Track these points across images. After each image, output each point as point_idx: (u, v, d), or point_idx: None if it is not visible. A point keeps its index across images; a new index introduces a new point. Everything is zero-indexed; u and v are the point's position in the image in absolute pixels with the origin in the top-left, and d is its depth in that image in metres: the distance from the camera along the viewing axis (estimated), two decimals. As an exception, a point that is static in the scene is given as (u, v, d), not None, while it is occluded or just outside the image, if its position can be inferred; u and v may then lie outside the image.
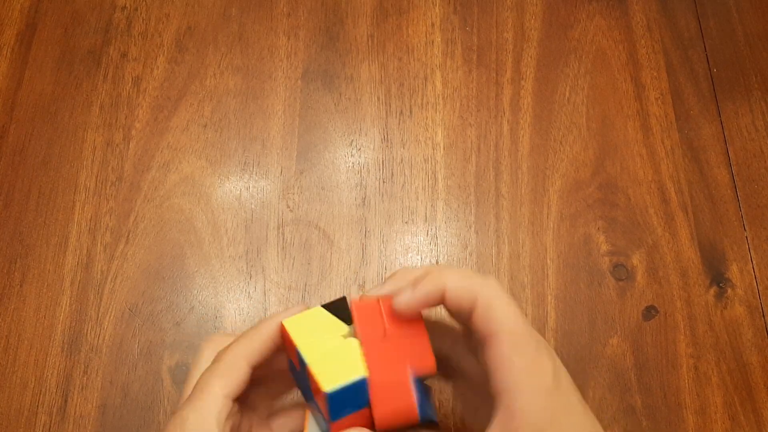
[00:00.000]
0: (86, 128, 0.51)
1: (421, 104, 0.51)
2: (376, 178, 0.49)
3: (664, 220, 0.48)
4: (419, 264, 0.47)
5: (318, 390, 0.31)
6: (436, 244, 0.47)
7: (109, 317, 0.45)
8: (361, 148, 0.50)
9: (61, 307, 0.45)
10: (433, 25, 0.54)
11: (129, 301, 0.46)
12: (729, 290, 0.46)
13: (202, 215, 0.48)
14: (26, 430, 0.42)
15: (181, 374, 0.44)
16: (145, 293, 0.46)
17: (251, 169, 0.50)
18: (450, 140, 0.50)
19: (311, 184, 0.49)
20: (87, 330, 0.45)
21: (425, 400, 0.32)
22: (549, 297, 0.46)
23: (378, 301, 0.32)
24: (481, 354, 0.30)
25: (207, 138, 0.50)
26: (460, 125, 0.51)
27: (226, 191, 0.49)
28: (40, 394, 0.43)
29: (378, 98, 0.52)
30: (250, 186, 0.49)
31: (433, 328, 0.33)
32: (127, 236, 0.47)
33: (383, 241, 0.47)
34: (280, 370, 0.35)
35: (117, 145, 0.50)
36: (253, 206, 0.48)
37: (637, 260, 0.47)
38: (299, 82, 0.52)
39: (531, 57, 0.53)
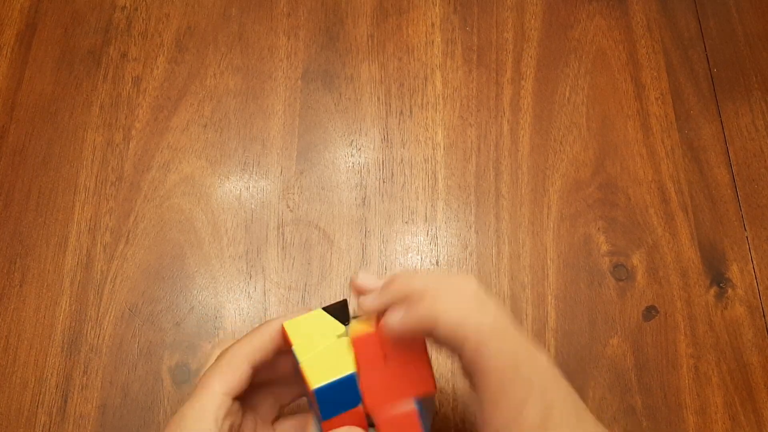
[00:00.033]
0: (86, 128, 0.51)
1: (421, 104, 0.51)
2: (376, 178, 0.49)
3: (664, 220, 0.48)
4: (419, 264, 0.47)
5: (308, 389, 0.31)
6: (436, 244, 0.47)
7: (109, 317, 0.45)
8: (361, 148, 0.50)
9: (61, 307, 0.45)
10: (433, 25, 0.54)
11: (129, 301, 0.46)
12: (729, 290, 0.46)
13: (202, 215, 0.48)
14: (26, 430, 0.42)
15: (181, 374, 0.44)
16: (145, 293, 0.46)
17: (251, 169, 0.50)
18: (450, 140, 0.50)
19: (311, 184, 0.49)
20: (87, 330, 0.45)
21: (425, 416, 0.33)
22: (549, 297, 0.46)
23: (375, 330, 0.33)
24: (470, 383, 0.31)
25: (207, 138, 0.50)
26: (460, 125, 0.51)
27: (226, 191, 0.49)
28: (40, 394, 0.43)
29: (378, 98, 0.52)
30: (250, 186, 0.49)
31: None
32: (127, 236, 0.47)
33: (383, 241, 0.47)
34: (286, 375, 0.35)
35: (117, 145, 0.50)
36: (253, 206, 0.48)
37: (637, 260, 0.47)
38: (299, 82, 0.52)
39: (531, 57, 0.53)
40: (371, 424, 0.32)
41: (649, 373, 0.44)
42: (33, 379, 0.44)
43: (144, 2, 0.55)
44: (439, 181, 0.49)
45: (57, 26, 0.54)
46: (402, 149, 0.50)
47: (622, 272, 0.47)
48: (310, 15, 0.54)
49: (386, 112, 0.51)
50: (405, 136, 0.50)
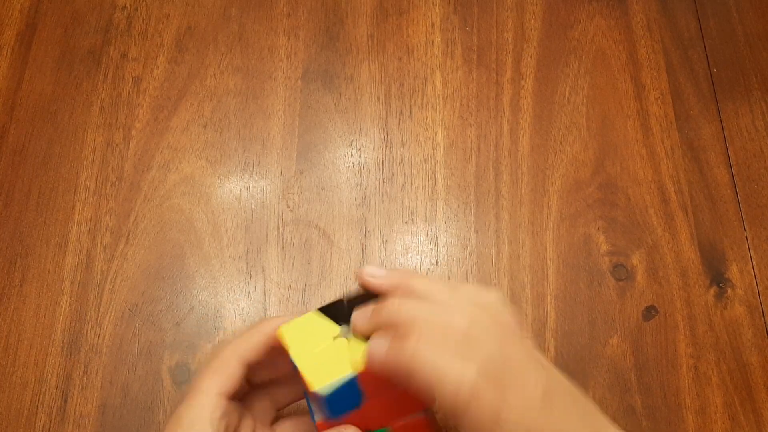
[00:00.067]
0: (86, 128, 0.51)
1: (421, 104, 0.51)
2: (376, 178, 0.49)
3: (664, 220, 0.48)
4: (419, 265, 0.47)
5: (309, 390, 0.31)
6: (436, 244, 0.47)
7: (109, 317, 0.45)
8: (361, 148, 0.50)
9: (61, 307, 0.45)
10: (433, 25, 0.54)
11: (129, 301, 0.46)
12: (729, 290, 0.46)
13: (202, 215, 0.48)
14: (26, 430, 0.42)
15: (181, 374, 0.44)
16: (145, 293, 0.46)
17: (251, 169, 0.50)
18: (450, 140, 0.50)
19: (311, 184, 0.49)
20: (87, 330, 0.45)
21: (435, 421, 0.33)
22: (549, 297, 0.46)
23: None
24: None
25: (207, 138, 0.50)
26: (460, 125, 0.51)
27: (226, 191, 0.49)
28: (40, 394, 0.43)
29: (378, 98, 0.52)
30: (250, 186, 0.49)
31: None
32: (127, 236, 0.47)
33: (383, 241, 0.47)
34: (283, 378, 0.35)
35: (117, 145, 0.50)
36: (253, 206, 0.48)
37: (637, 260, 0.47)
38: (299, 82, 0.52)
39: (531, 57, 0.53)
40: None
41: (649, 373, 0.44)
42: (33, 379, 0.44)
43: (144, 2, 0.55)
44: (439, 181, 0.49)
45: (57, 26, 0.54)
46: (402, 149, 0.50)
47: (621, 272, 0.47)
48: (310, 15, 0.54)
49: (386, 112, 0.51)
50: (405, 136, 0.50)
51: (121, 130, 0.51)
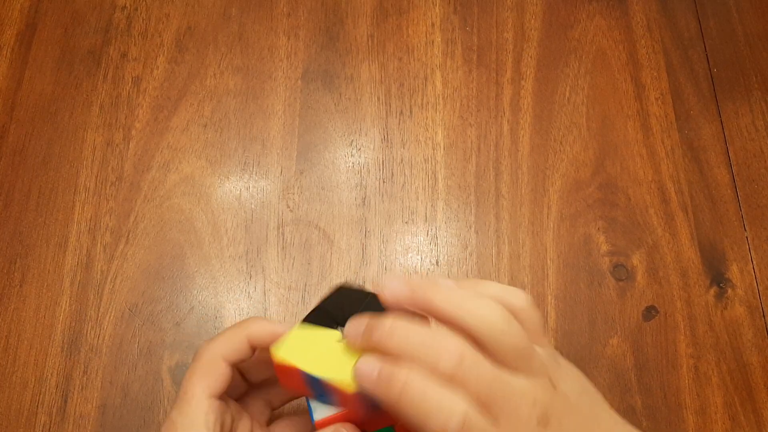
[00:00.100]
0: (86, 128, 0.51)
1: (421, 104, 0.51)
2: (376, 178, 0.49)
3: (664, 220, 0.48)
4: (419, 265, 0.47)
5: (349, 395, 0.30)
6: (436, 244, 0.47)
7: (109, 317, 0.45)
8: (361, 148, 0.50)
9: (61, 307, 0.45)
10: (433, 25, 0.54)
11: (129, 301, 0.46)
12: (729, 290, 0.46)
13: (202, 215, 0.48)
14: (26, 430, 0.42)
15: (181, 374, 0.44)
16: (145, 293, 0.46)
17: (251, 169, 0.50)
18: (450, 140, 0.50)
19: (311, 184, 0.49)
20: (87, 330, 0.45)
21: None
22: (549, 297, 0.46)
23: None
24: None
25: (207, 138, 0.50)
26: (460, 125, 0.51)
27: (226, 191, 0.49)
28: (40, 394, 0.43)
29: (378, 98, 0.52)
30: (250, 186, 0.49)
31: None
32: (127, 236, 0.47)
33: (383, 241, 0.47)
34: (275, 379, 0.35)
35: (117, 145, 0.50)
36: (253, 206, 0.48)
37: (637, 260, 0.47)
38: (299, 82, 0.52)
39: (531, 57, 0.53)
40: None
41: (649, 373, 0.44)
42: (33, 379, 0.44)
43: (144, 2, 0.55)
44: (439, 181, 0.49)
45: (57, 26, 0.54)
46: (402, 149, 0.50)
47: (622, 272, 0.47)
48: (310, 15, 0.54)
49: (386, 112, 0.51)
50: (405, 136, 0.50)
51: (121, 130, 0.51)
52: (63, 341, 0.45)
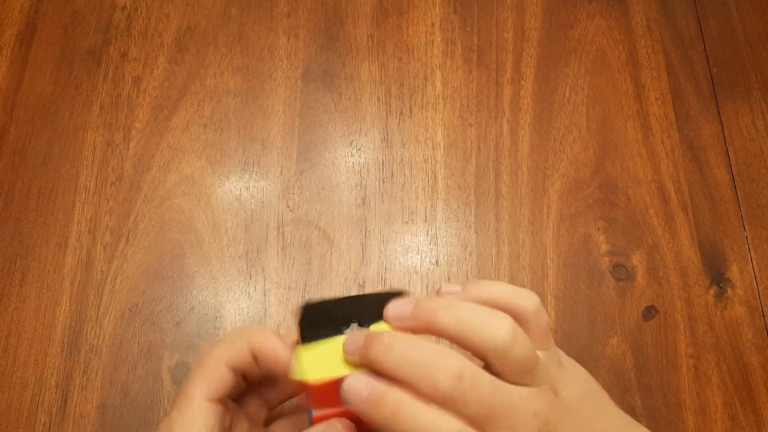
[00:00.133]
0: (86, 128, 0.51)
1: (421, 104, 0.51)
2: (376, 178, 0.49)
3: (664, 220, 0.48)
4: (419, 264, 0.47)
5: None
6: (436, 244, 0.47)
7: (109, 317, 0.45)
8: (361, 148, 0.50)
9: (61, 307, 0.45)
10: (433, 25, 0.54)
11: (129, 301, 0.46)
12: (729, 290, 0.46)
13: (202, 215, 0.48)
14: (26, 430, 0.42)
15: (181, 374, 0.44)
16: (145, 293, 0.46)
17: (251, 169, 0.50)
18: (450, 140, 0.50)
19: (311, 184, 0.49)
20: (87, 330, 0.45)
21: None
22: (549, 297, 0.46)
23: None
24: None
25: (207, 138, 0.50)
26: (460, 125, 0.51)
27: (226, 191, 0.49)
28: (40, 394, 0.43)
29: (378, 98, 0.52)
30: (250, 186, 0.49)
31: None
32: (127, 236, 0.47)
33: (383, 241, 0.47)
34: (274, 376, 0.35)
35: (117, 145, 0.50)
36: (253, 206, 0.48)
37: (637, 260, 0.47)
38: (299, 82, 0.52)
39: (531, 57, 0.53)
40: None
41: (649, 373, 0.44)
42: (33, 379, 0.44)
43: (144, 2, 0.55)
44: (439, 181, 0.49)
45: (57, 26, 0.54)
46: (402, 149, 0.50)
47: (621, 272, 0.47)
48: (310, 15, 0.54)
49: (386, 112, 0.51)
50: (405, 136, 0.50)
51: (121, 130, 0.51)
52: (63, 341, 0.45)
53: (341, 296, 0.33)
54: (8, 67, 0.53)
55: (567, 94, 0.52)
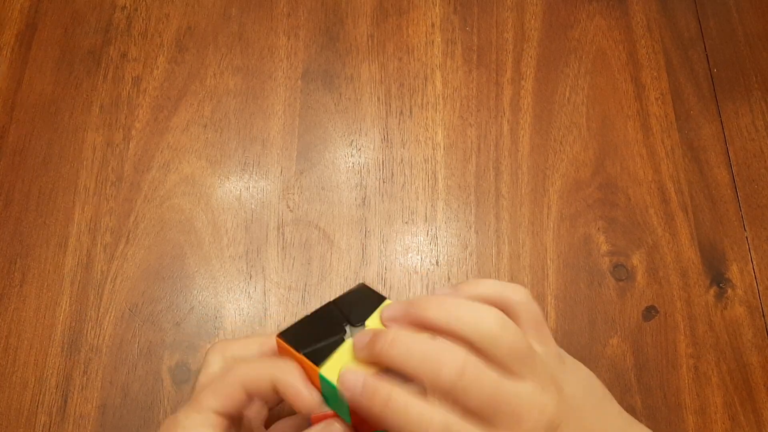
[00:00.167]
0: (86, 128, 0.51)
1: (421, 104, 0.51)
2: (376, 178, 0.49)
3: (664, 220, 0.48)
4: (419, 264, 0.47)
5: None
6: (436, 244, 0.47)
7: (109, 317, 0.45)
8: (361, 148, 0.50)
9: (61, 307, 0.45)
10: (433, 25, 0.54)
11: (129, 301, 0.46)
12: (729, 290, 0.46)
13: (202, 215, 0.48)
14: (26, 430, 0.42)
15: (181, 374, 0.44)
16: (145, 293, 0.46)
17: (251, 169, 0.50)
18: (450, 140, 0.50)
19: (311, 184, 0.49)
20: (87, 330, 0.45)
21: None
22: (549, 297, 0.46)
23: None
24: None
25: (207, 138, 0.50)
26: (460, 125, 0.51)
27: (226, 191, 0.49)
28: (40, 394, 0.43)
29: (378, 98, 0.52)
30: (250, 186, 0.49)
31: None
32: (127, 236, 0.47)
33: (383, 241, 0.47)
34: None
35: (117, 145, 0.50)
36: (253, 206, 0.48)
37: (637, 260, 0.47)
38: (299, 82, 0.52)
39: (531, 57, 0.53)
40: None
41: (649, 373, 0.44)
42: (33, 379, 0.44)
43: (144, 2, 0.55)
44: (439, 181, 0.49)
45: (57, 26, 0.54)
46: (402, 149, 0.50)
47: (622, 272, 0.47)
48: (310, 15, 0.54)
49: (386, 112, 0.51)
50: (405, 136, 0.50)
51: (121, 130, 0.51)
52: (63, 341, 0.45)
53: (308, 314, 0.33)
54: (8, 67, 0.53)
55: (567, 94, 0.52)
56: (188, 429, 0.30)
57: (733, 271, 0.47)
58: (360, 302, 0.33)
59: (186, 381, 0.44)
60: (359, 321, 0.32)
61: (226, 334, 0.45)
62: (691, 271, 0.47)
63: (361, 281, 0.35)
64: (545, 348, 0.31)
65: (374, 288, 0.35)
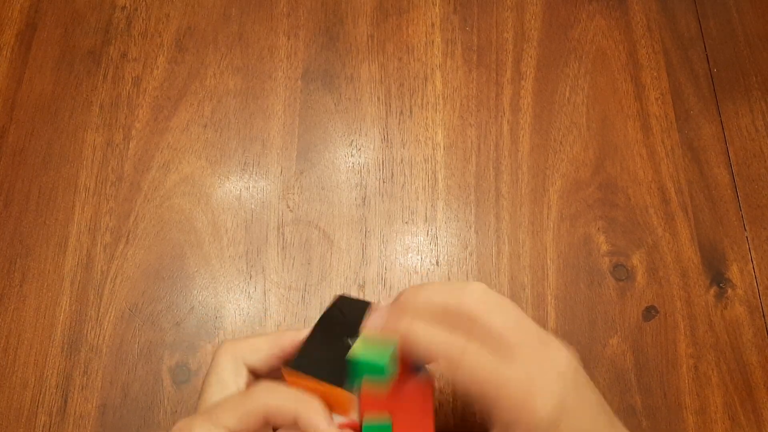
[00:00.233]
0: (86, 128, 0.51)
1: (421, 104, 0.51)
2: (376, 178, 0.49)
3: (664, 220, 0.48)
4: (419, 264, 0.47)
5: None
6: (436, 244, 0.47)
7: (109, 317, 0.45)
8: (361, 148, 0.50)
9: (61, 307, 0.45)
10: (433, 25, 0.54)
11: (129, 301, 0.46)
12: (729, 290, 0.46)
13: (202, 215, 0.48)
14: (26, 430, 0.42)
15: (181, 374, 0.44)
16: (145, 293, 0.46)
17: (251, 169, 0.50)
18: (450, 140, 0.50)
19: (311, 184, 0.49)
20: (87, 330, 0.45)
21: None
22: (549, 297, 0.46)
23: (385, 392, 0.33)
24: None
25: (207, 138, 0.50)
26: (460, 125, 0.51)
27: (226, 191, 0.49)
28: (40, 394, 0.43)
29: (378, 98, 0.52)
30: (250, 186, 0.49)
31: None
32: (127, 236, 0.47)
33: (383, 241, 0.47)
34: (279, 375, 0.35)
35: (117, 145, 0.50)
36: (253, 206, 0.48)
37: (637, 260, 0.47)
38: (299, 82, 0.52)
39: (531, 57, 0.53)
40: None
41: (649, 373, 0.44)
42: (33, 379, 0.44)
43: (144, 2, 0.55)
44: (439, 181, 0.49)
45: (57, 26, 0.54)
46: (402, 149, 0.50)
47: (622, 272, 0.47)
48: (310, 15, 0.54)
49: (386, 112, 0.51)
50: (405, 136, 0.50)
51: (121, 130, 0.51)
52: (63, 341, 0.45)
53: (304, 340, 0.34)
54: (8, 67, 0.53)
55: (567, 94, 0.52)
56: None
57: (733, 271, 0.47)
58: (349, 314, 0.34)
59: (186, 381, 0.44)
60: (356, 333, 0.33)
61: (226, 334, 0.45)
62: (691, 271, 0.47)
63: (337, 294, 0.36)
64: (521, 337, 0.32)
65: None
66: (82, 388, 0.43)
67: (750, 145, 0.50)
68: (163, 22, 0.54)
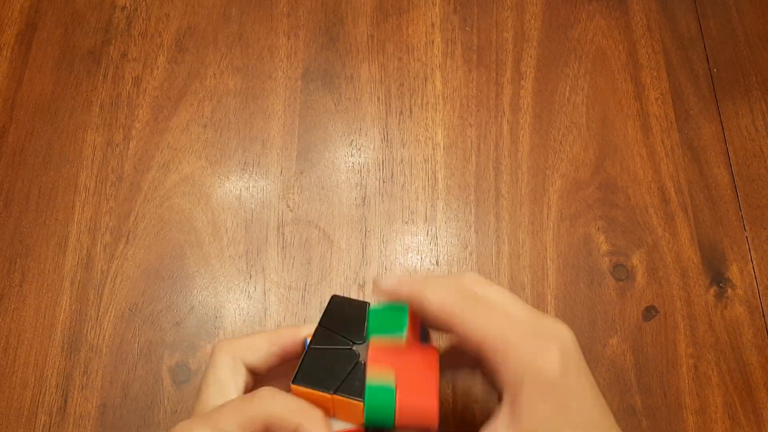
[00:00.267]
0: (86, 128, 0.51)
1: (421, 104, 0.51)
2: (376, 178, 0.49)
3: (664, 220, 0.48)
4: (419, 265, 0.47)
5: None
6: (436, 244, 0.47)
7: (109, 317, 0.45)
8: (361, 148, 0.50)
9: (61, 307, 0.46)
10: (433, 25, 0.54)
11: (129, 301, 0.46)
12: (729, 290, 0.46)
13: (202, 215, 0.48)
14: (26, 430, 0.42)
15: (181, 374, 0.44)
16: (145, 293, 0.46)
17: (251, 169, 0.50)
18: (450, 140, 0.50)
19: (311, 184, 0.49)
20: (87, 330, 0.45)
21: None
22: (549, 297, 0.46)
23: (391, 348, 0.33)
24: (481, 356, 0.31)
25: (207, 138, 0.50)
26: (460, 125, 0.51)
27: (226, 191, 0.49)
28: (40, 394, 0.43)
29: (378, 98, 0.52)
30: (250, 186, 0.49)
31: None
32: (127, 236, 0.47)
33: (383, 241, 0.47)
34: (277, 373, 0.35)
35: (117, 145, 0.50)
36: (253, 206, 0.48)
37: (637, 260, 0.47)
38: (299, 82, 0.52)
39: (531, 57, 0.53)
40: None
41: (649, 373, 0.44)
42: (33, 379, 0.44)
43: (144, 2, 0.55)
44: (439, 181, 0.49)
45: (57, 26, 0.54)
46: (402, 149, 0.50)
47: (621, 272, 0.47)
48: (310, 15, 0.54)
49: (386, 112, 0.51)
50: (405, 136, 0.51)
51: (121, 130, 0.51)
52: (63, 341, 0.45)
53: (306, 351, 0.33)
54: (8, 67, 0.53)
55: (567, 94, 0.52)
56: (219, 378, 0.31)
57: (733, 271, 0.47)
58: (348, 316, 0.34)
59: (186, 381, 0.44)
60: (360, 338, 0.33)
61: (226, 334, 0.45)
62: (691, 271, 0.47)
63: (332, 294, 0.36)
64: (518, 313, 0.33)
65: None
66: (82, 388, 0.43)
67: (750, 145, 0.50)
68: (163, 22, 0.54)
